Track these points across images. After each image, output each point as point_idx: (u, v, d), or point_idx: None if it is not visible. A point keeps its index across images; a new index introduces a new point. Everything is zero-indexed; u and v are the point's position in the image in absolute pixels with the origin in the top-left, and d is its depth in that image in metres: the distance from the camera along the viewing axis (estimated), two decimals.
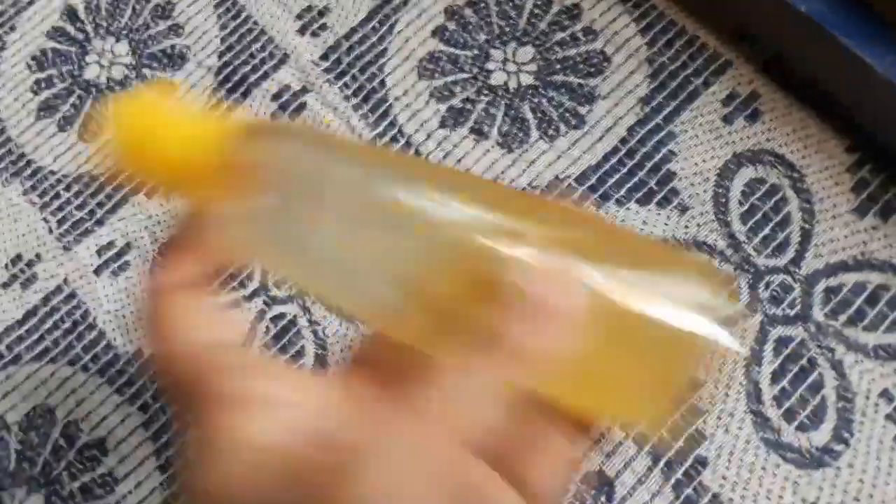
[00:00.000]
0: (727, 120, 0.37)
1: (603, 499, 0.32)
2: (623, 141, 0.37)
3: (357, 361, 0.25)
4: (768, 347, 0.33)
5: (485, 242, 0.21)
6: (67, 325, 0.38)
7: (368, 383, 0.23)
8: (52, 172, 0.41)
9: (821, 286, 0.34)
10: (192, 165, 0.21)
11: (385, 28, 0.41)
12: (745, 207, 0.35)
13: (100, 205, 0.40)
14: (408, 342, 0.22)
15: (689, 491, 0.32)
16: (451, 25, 0.41)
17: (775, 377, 0.33)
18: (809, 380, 0.33)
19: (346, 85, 0.40)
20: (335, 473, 0.19)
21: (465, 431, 0.19)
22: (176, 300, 0.22)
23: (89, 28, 0.44)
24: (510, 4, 0.40)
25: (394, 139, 0.39)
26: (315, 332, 0.36)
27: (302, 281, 0.24)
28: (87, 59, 0.44)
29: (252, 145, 0.21)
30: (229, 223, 0.21)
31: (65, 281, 0.39)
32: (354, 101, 0.40)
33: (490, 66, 0.40)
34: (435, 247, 0.21)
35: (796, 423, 0.32)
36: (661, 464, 0.32)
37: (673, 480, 0.32)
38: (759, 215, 0.35)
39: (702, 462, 0.32)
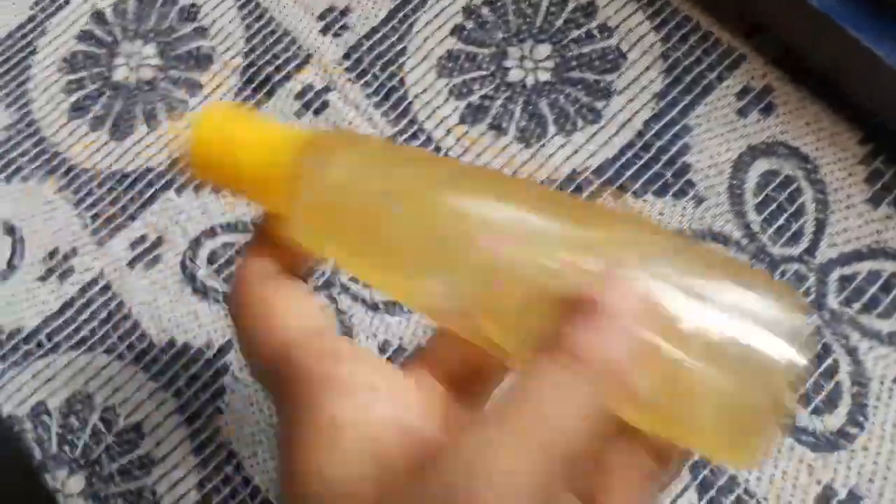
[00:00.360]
0: (742, 113, 0.38)
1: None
2: (639, 135, 0.38)
3: (423, 356, 0.25)
4: None
5: (552, 256, 0.21)
6: (103, 315, 0.40)
7: (437, 377, 0.24)
8: (85, 170, 0.43)
9: (835, 275, 0.35)
10: (264, 178, 0.23)
11: (405, 27, 0.42)
12: (760, 198, 0.36)
13: (132, 200, 0.42)
14: (474, 342, 0.23)
15: (706, 472, 0.33)
16: (469, 24, 0.42)
17: None
18: (824, 365, 0.34)
19: (367, 83, 0.42)
20: (422, 467, 0.19)
21: (553, 448, 0.18)
22: (267, 286, 0.23)
23: (117, 31, 0.46)
24: (526, 3, 0.41)
25: (414, 136, 0.40)
26: (342, 321, 0.37)
27: (369, 278, 0.25)
28: (116, 61, 0.45)
29: (320, 156, 0.23)
30: (300, 225, 0.23)
31: (100, 273, 0.41)
32: (376, 98, 0.41)
33: (508, 63, 0.41)
34: (502, 261, 0.21)
35: (811, 407, 0.33)
36: None
37: (690, 462, 0.33)
38: (773, 206, 0.36)
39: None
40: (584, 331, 0.19)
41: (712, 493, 0.33)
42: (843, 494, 0.32)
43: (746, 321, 0.21)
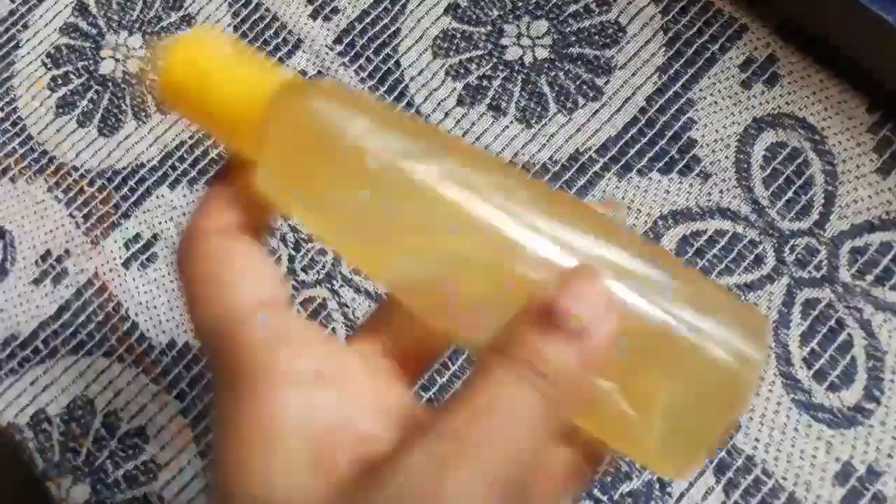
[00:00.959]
0: (746, 85, 0.37)
1: (638, 464, 0.33)
2: (642, 111, 0.37)
3: (373, 327, 0.24)
4: (796, 310, 0.34)
5: (527, 248, 0.20)
6: (100, 317, 0.39)
7: (385, 351, 0.23)
8: (75, 168, 0.42)
9: (846, 247, 0.34)
10: (236, 115, 0.21)
11: (397, 8, 0.41)
12: (768, 172, 0.35)
13: (124, 198, 0.41)
14: (424, 319, 0.22)
15: (722, 454, 0.32)
16: (463, 2, 0.41)
17: (804, 339, 0.33)
18: (838, 340, 0.33)
19: (361, 67, 0.40)
20: (370, 479, 0.18)
21: (506, 470, 0.17)
22: (222, 243, 0.21)
23: (101, 23, 0.44)
24: None
25: (411, 119, 0.39)
26: (345, 314, 0.37)
27: (330, 240, 0.23)
28: (102, 53, 0.44)
29: (299, 101, 0.21)
30: (267, 175, 0.21)
31: (95, 275, 0.40)
32: (370, 83, 0.40)
33: (504, 41, 0.40)
34: (469, 251, 0.20)
35: (827, 383, 0.33)
36: None
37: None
38: (781, 179, 0.35)
39: (734, 425, 0.33)
40: (544, 340, 0.18)
41: (730, 474, 0.32)
42: (862, 470, 0.31)
43: (706, 339, 0.20)
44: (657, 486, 0.32)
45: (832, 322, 0.33)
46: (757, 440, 0.32)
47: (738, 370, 0.20)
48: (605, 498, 0.33)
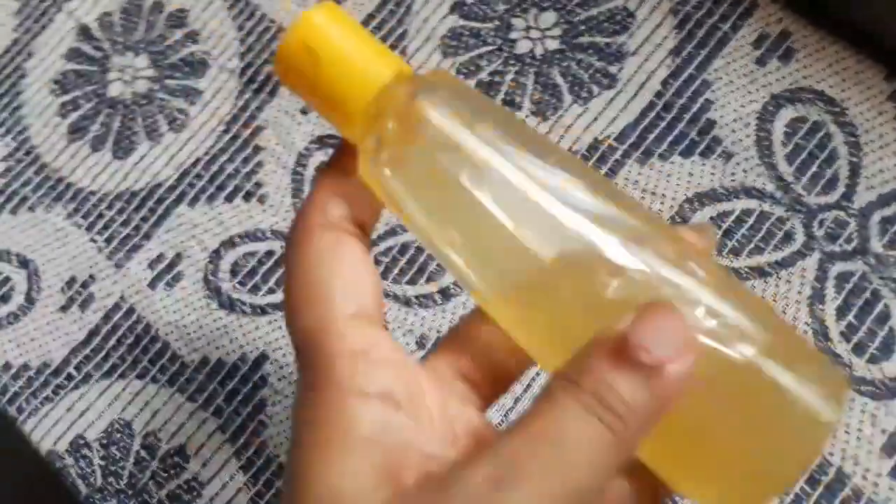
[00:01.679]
0: (760, 62, 0.37)
1: None
2: (658, 95, 0.37)
3: (451, 344, 0.24)
4: (829, 285, 0.33)
5: (599, 282, 0.20)
6: (130, 340, 0.39)
7: (458, 374, 0.23)
8: (93, 193, 0.42)
9: (876, 217, 0.34)
10: (346, 100, 0.21)
11: (402, 10, 0.41)
12: (790, 148, 0.35)
13: (144, 219, 0.41)
14: (507, 332, 0.22)
15: None
16: None
17: (840, 313, 0.33)
18: (875, 312, 0.33)
19: None
20: (433, 492, 0.19)
21: (566, 498, 0.17)
22: (325, 241, 0.21)
23: (106, 45, 0.44)
24: None
25: None
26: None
27: (427, 241, 0.23)
28: (109, 76, 0.44)
29: (423, 94, 0.21)
30: (370, 166, 0.21)
31: (121, 298, 0.40)
32: None
33: (513, 35, 0.39)
34: (568, 257, 0.20)
35: (867, 355, 0.32)
36: None
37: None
38: (804, 154, 0.35)
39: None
40: (615, 373, 0.18)
41: None
42: None
43: (787, 392, 0.20)
44: None
45: (867, 294, 0.33)
46: None
47: (815, 428, 0.20)
48: None
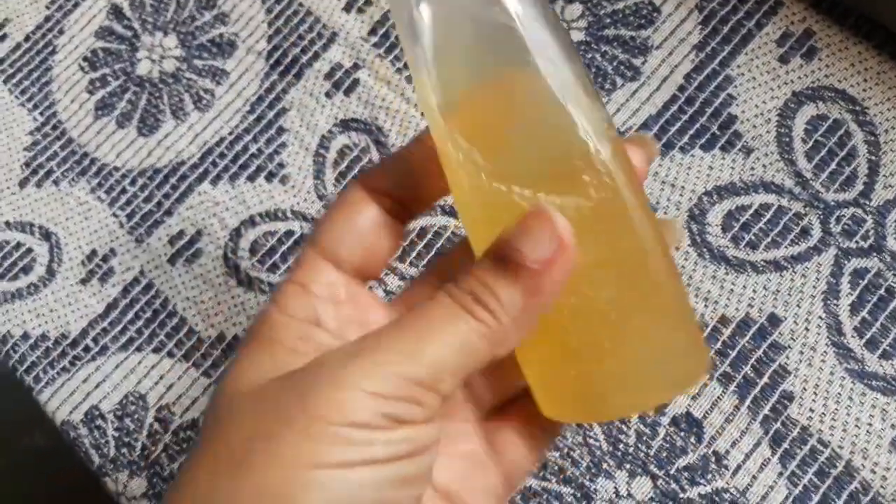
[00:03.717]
0: (783, 60, 0.37)
1: (693, 439, 0.33)
2: (681, 89, 0.37)
3: (429, 275, 0.27)
4: (844, 280, 0.34)
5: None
6: (148, 314, 0.40)
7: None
8: (117, 168, 0.42)
9: (893, 216, 0.34)
10: None
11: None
12: (810, 144, 0.36)
13: (166, 196, 0.41)
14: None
15: (777, 426, 0.32)
16: None
17: (854, 308, 0.33)
18: (889, 309, 0.33)
19: (396, 58, 0.41)
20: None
21: (401, 368, 0.19)
22: (351, 193, 0.24)
23: (136, 25, 0.45)
24: None
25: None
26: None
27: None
28: (138, 55, 0.44)
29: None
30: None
31: (141, 272, 0.40)
32: (407, 73, 0.40)
33: None
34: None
35: (879, 351, 0.33)
36: (748, 401, 0.33)
37: (761, 417, 0.33)
38: (824, 151, 0.35)
39: (787, 397, 0.33)
40: (493, 275, 0.20)
41: (786, 445, 0.32)
42: None
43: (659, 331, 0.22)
44: (713, 459, 0.32)
45: (882, 291, 0.33)
46: (812, 410, 0.32)
47: (671, 381, 0.22)
48: (661, 473, 0.33)
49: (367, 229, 0.24)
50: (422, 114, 0.33)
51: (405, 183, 0.24)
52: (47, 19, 0.46)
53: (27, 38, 0.46)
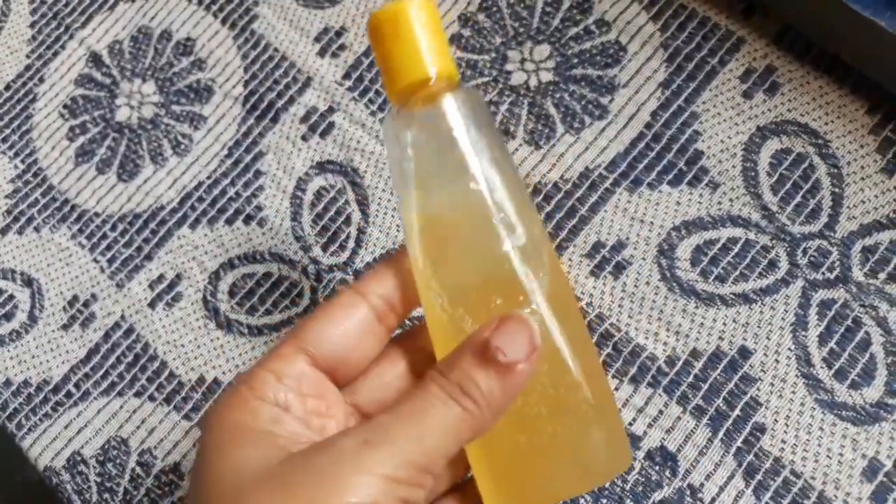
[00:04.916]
0: (747, 95, 0.38)
1: (668, 472, 0.33)
2: (648, 126, 0.38)
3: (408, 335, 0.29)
4: (812, 312, 0.34)
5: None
6: (129, 358, 0.40)
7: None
8: (97, 214, 0.43)
9: (857, 247, 0.35)
10: (406, 74, 0.26)
11: None
12: (775, 178, 0.36)
13: (146, 241, 0.42)
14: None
15: (750, 458, 0.33)
16: (466, 32, 0.42)
17: (823, 339, 0.34)
18: (856, 339, 0.34)
19: (370, 101, 0.42)
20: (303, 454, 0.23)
21: (408, 455, 0.22)
22: (345, 295, 0.26)
23: (115, 72, 0.46)
24: (521, 5, 0.42)
25: None
26: None
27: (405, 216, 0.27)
28: (117, 101, 0.45)
29: (448, 96, 0.26)
30: (396, 128, 0.27)
31: (122, 317, 0.41)
32: (381, 115, 0.41)
33: (509, 67, 0.41)
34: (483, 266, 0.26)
35: (848, 381, 0.33)
36: (721, 434, 0.33)
37: (734, 449, 0.33)
38: (789, 185, 0.36)
39: (759, 429, 0.33)
40: (477, 369, 0.23)
41: (759, 477, 0.33)
42: (889, 465, 0.32)
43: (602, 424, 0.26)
44: (688, 492, 0.33)
45: (849, 321, 0.34)
46: (784, 442, 0.33)
47: (592, 474, 0.26)
48: None
49: (352, 331, 0.26)
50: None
51: (394, 286, 0.27)
52: (27, 68, 0.47)
53: (7, 87, 0.46)
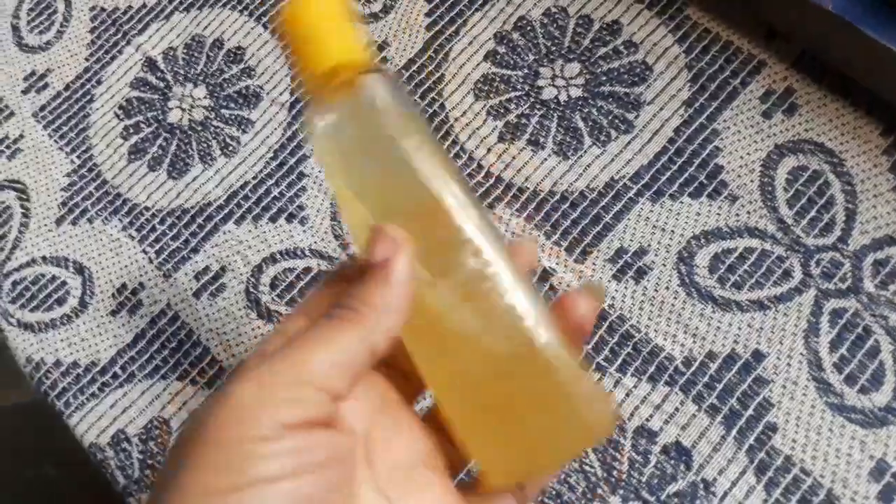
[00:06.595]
0: (766, 115, 0.40)
1: (682, 467, 0.35)
2: (671, 141, 0.40)
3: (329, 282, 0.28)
4: (824, 319, 0.36)
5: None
6: (174, 344, 0.42)
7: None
8: (147, 208, 0.46)
9: (869, 260, 0.37)
10: (328, 70, 0.26)
11: (441, 56, 0.45)
12: (791, 193, 0.38)
13: (193, 234, 0.44)
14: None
15: (762, 455, 0.34)
16: (502, 49, 0.44)
17: (833, 346, 0.36)
18: (866, 346, 0.35)
19: None
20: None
21: (310, 376, 0.22)
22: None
23: (169, 77, 0.48)
24: (554, 25, 0.44)
25: (457, 155, 0.43)
26: None
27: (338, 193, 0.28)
28: (170, 104, 0.48)
29: (369, 83, 0.26)
30: (321, 125, 0.26)
31: (167, 305, 0.43)
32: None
33: (540, 82, 0.43)
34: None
35: (857, 386, 0.35)
36: (734, 432, 0.35)
37: (746, 446, 0.35)
38: (804, 200, 0.38)
39: (771, 428, 0.35)
40: (355, 285, 0.24)
41: (770, 473, 0.34)
42: (895, 467, 0.33)
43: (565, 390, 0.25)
44: (702, 486, 0.35)
45: (859, 329, 0.36)
46: (794, 441, 0.34)
47: (580, 434, 0.25)
48: (652, 499, 0.35)
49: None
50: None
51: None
52: (86, 70, 0.50)
53: (67, 87, 0.49)
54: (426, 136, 0.26)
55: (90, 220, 0.46)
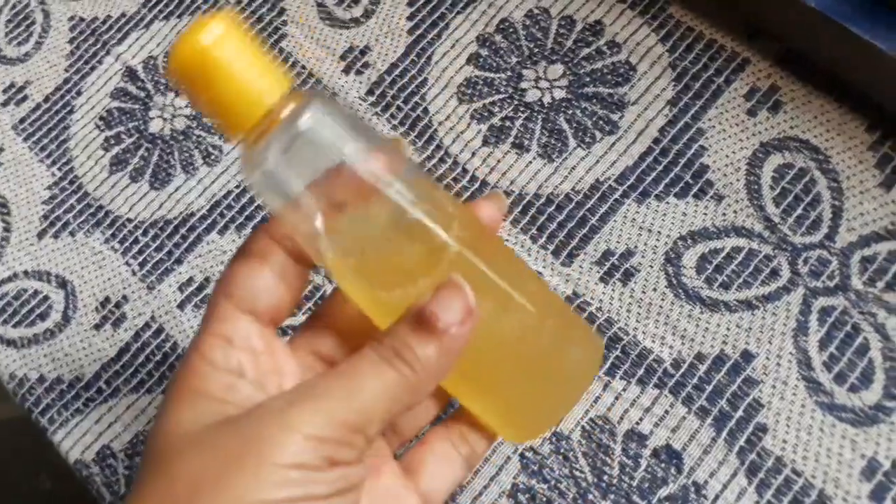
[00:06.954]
0: (751, 113, 0.40)
1: (673, 470, 0.35)
2: (656, 141, 0.40)
3: (306, 327, 0.29)
4: (812, 318, 0.36)
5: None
6: (158, 357, 0.42)
7: (314, 353, 0.28)
8: (129, 220, 0.45)
9: (856, 257, 0.36)
10: (237, 109, 0.23)
11: (423, 60, 0.45)
12: (777, 191, 0.38)
13: (176, 245, 0.44)
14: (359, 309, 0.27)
15: (752, 456, 0.34)
16: (484, 52, 0.44)
17: (823, 344, 0.35)
18: (855, 344, 0.35)
19: (392, 116, 0.44)
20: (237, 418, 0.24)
21: (337, 412, 0.22)
22: (257, 243, 0.26)
23: (149, 86, 0.48)
24: (537, 27, 0.44)
25: (441, 160, 0.42)
26: None
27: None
28: (151, 114, 0.47)
29: (298, 112, 0.23)
30: (253, 165, 0.24)
31: (152, 317, 0.43)
32: (402, 129, 0.43)
33: (524, 85, 0.43)
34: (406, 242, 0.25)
35: (847, 385, 0.35)
36: (724, 434, 0.35)
37: (737, 448, 0.34)
38: (790, 197, 0.38)
39: (762, 429, 0.35)
40: (412, 335, 0.23)
41: (761, 475, 0.34)
42: (887, 465, 0.33)
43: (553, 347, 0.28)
44: (693, 489, 0.34)
45: (848, 327, 0.35)
46: (785, 441, 0.34)
47: (576, 381, 0.28)
48: (643, 503, 0.34)
49: (277, 278, 0.25)
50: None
51: None
52: (66, 81, 0.49)
53: (47, 99, 0.49)
54: (368, 143, 0.25)
55: (72, 233, 0.46)
